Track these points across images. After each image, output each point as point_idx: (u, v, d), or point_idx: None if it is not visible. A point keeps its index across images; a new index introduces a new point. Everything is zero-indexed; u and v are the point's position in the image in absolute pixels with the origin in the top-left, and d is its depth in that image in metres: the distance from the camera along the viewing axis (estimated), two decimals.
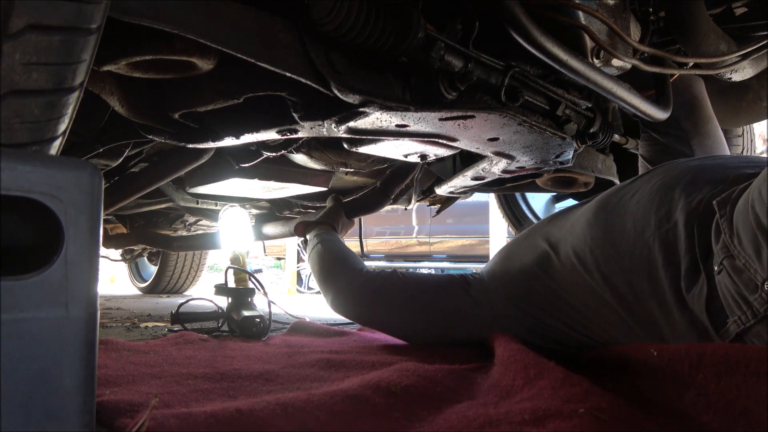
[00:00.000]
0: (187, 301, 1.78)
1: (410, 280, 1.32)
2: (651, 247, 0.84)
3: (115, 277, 6.48)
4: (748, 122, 1.74)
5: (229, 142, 1.13)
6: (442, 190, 1.65)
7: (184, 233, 2.89)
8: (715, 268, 0.73)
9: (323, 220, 1.77)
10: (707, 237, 0.77)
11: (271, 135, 1.09)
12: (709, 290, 0.74)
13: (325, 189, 1.78)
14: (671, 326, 0.81)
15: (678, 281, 0.79)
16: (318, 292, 5.66)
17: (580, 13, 1.03)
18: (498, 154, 1.26)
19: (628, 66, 1.17)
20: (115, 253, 3.78)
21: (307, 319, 1.82)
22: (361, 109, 0.93)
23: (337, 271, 1.45)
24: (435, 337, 1.25)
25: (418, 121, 1.00)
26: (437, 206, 2.26)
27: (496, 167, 1.37)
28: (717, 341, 0.73)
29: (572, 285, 0.98)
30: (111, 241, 3.04)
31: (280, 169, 1.62)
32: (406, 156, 1.27)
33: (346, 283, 1.41)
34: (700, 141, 1.35)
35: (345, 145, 1.22)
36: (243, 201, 2.12)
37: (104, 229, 2.96)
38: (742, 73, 1.31)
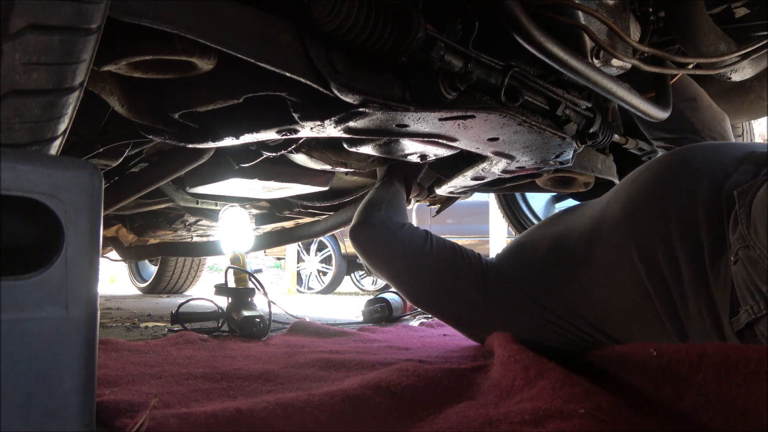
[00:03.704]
0: (187, 301, 1.78)
1: (435, 255, 1.25)
2: (669, 222, 0.84)
3: (115, 277, 6.49)
4: (749, 119, 1.77)
5: (229, 142, 1.13)
6: (442, 190, 1.65)
7: (184, 233, 2.90)
8: (731, 258, 0.74)
9: (395, 170, 1.58)
10: (728, 224, 0.77)
11: (270, 135, 1.09)
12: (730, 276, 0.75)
13: (326, 189, 1.78)
14: (685, 309, 0.81)
15: (696, 259, 0.79)
16: (318, 293, 5.67)
17: (580, 13, 1.03)
18: (498, 154, 1.26)
19: (628, 66, 1.17)
20: (115, 253, 3.78)
21: (307, 319, 1.82)
22: (361, 109, 0.93)
23: (378, 207, 1.36)
24: (439, 310, 1.23)
25: (418, 121, 1.00)
26: (437, 206, 2.26)
27: (496, 167, 1.37)
28: (728, 329, 0.74)
29: (588, 270, 0.98)
30: (128, 253, 2.99)
31: (280, 169, 1.62)
32: (406, 156, 1.27)
33: (377, 219, 1.33)
34: (708, 127, 1.37)
35: (345, 145, 1.22)
36: (243, 201, 2.11)
37: (117, 239, 2.90)
38: (742, 73, 1.31)
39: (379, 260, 1.33)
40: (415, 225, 1.35)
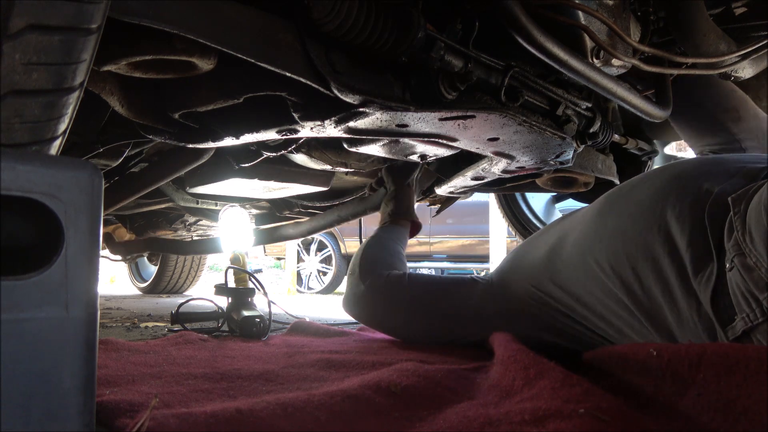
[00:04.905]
0: (187, 301, 1.78)
1: (415, 284, 1.32)
2: (654, 236, 0.84)
3: (115, 277, 6.49)
4: None
5: (229, 142, 1.13)
6: (442, 190, 1.65)
7: (184, 233, 2.90)
8: (727, 265, 0.74)
9: (398, 217, 1.66)
10: (720, 231, 0.77)
11: (271, 135, 1.09)
12: (718, 284, 0.74)
13: (326, 189, 1.78)
14: (679, 319, 0.81)
15: (684, 271, 0.79)
16: (318, 293, 5.67)
17: (580, 13, 1.03)
18: (498, 154, 1.26)
19: (629, 66, 1.17)
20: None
21: (307, 319, 1.81)
22: (361, 109, 0.93)
23: (355, 271, 1.43)
24: (436, 339, 1.25)
25: (418, 121, 1.00)
26: (437, 206, 2.26)
27: (496, 167, 1.37)
28: (722, 338, 0.74)
29: (582, 278, 0.98)
30: (118, 248, 3.02)
31: (280, 169, 1.62)
32: (406, 156, 1.27)
33: (355, 284, 1.41)
34: (751, 137, 1.38)
35: (345, 145, 1.22)
36: (243, 201, 2.12)
37: (111, 235, 2.94)
38: (742, 72, 1.31)
39: (382, 323, 1.41)
40: (394, 272, 1.38)
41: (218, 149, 1.43)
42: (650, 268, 0.84)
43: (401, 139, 1.15)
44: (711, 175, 0.86)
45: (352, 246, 5.75)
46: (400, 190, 1.71)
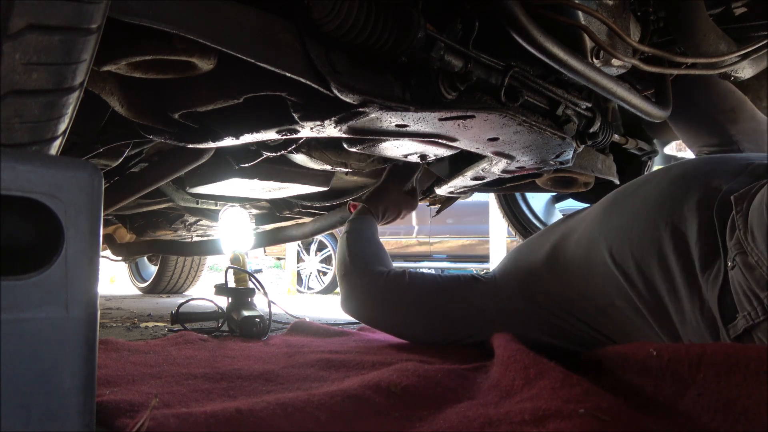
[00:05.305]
0: (187, 301, 1.78)
1: (416, 283, 1.31)
2: (662, 233, 0.84)
3: (115, 277, 6.49)
4: None
5: (229, 142, 1.13)
6: (442, 190, 1.65)
7: (184, 233, 2.90)
8: (729, 263, 0.74)
9: (364, 202, 1.62)
10: (724, 229, 0.77)
11: (270, 135, 1.09)
12: (723, 282, 0.75)
13: (326, 189, 1.78)
14: (682, 317, 0.81)
15: (690, 268, 0.79)
16: (318, 293, 5.67)
17: (580, 13, 1.03)
18: (498, 154, 1.26)
19: (628, 66, 1.17)
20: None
21: (307, 319, 1.82)
22: (361, 109, 0.93)
23: (349, 271, 1.40)
24: (437, 339, 1.25)
25: (418, 121, 1.00)
26: (437, 206, 2.26)
27: (496, 167, 1.37)
28: (724, 336, 0.74)
29: (585, 275, 0.98)
30: (120, 250, 3.03)
31: (280, 169, 1.62)
32: (406, 156, 1.27)
33: (354, 284, 1.39)
34: (748, 140, 1.37)
35: (345, 145, 1.22)
36: (243, 201, 2.11)
37: (112, 237, 2.94)
38: (742, 73, 1.31)
39: (382, 323, 1.39)
40: (393, 268, 1.37)
41: (218, 149, 1.43)
42: (656, 265, 0.84)
43: (401, 139, 1.15)
44: (719, 173, 0.86)
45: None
46: (384, 183, 1.69)
